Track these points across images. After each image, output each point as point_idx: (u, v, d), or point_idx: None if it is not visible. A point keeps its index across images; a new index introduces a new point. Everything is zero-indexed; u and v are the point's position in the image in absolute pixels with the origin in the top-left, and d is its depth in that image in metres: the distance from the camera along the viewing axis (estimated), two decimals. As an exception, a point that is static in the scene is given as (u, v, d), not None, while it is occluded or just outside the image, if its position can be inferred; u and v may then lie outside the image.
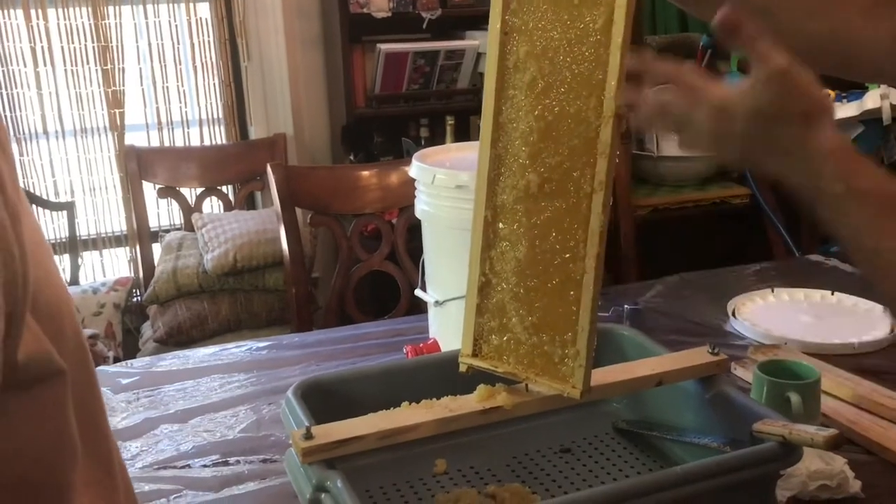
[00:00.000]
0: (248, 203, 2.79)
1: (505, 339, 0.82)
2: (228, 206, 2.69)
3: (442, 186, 1.20)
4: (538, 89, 0.77)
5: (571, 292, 0.79)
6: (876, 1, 0.71)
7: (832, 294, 1.49)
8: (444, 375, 0.87)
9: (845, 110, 2.31)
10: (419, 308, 1.41)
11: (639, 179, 2.69)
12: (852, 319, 1.41)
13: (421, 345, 1.26)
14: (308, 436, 0.74)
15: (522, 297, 0.81)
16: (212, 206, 2.75)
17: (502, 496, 0.83)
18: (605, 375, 0.86)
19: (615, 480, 0.88)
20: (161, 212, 2.81)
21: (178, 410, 1.20)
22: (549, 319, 0.81)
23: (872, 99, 2.26)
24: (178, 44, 2.74)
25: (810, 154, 0.65)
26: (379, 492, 0.86)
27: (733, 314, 1.44)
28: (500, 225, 0.81)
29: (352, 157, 2.64)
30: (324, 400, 0.87)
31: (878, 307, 1.42)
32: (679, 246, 2.41)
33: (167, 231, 2.70)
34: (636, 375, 0.87)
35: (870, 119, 2.29)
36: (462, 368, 0.84)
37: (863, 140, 2.34)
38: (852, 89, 2.35)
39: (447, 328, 1.28)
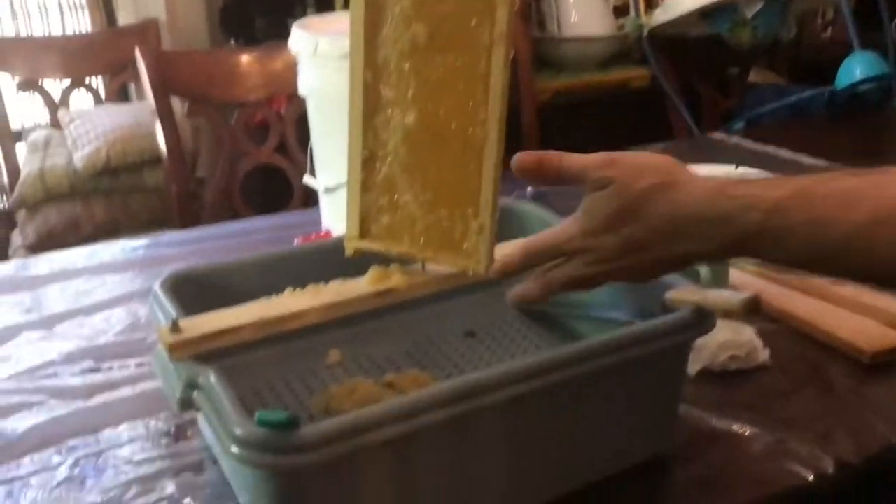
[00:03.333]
0: (121, 96, 2.57)
1: (397, 216, 0.74)
2: (99, 101, 2.47)
3: (327, 57, 1.08)
4: None
5: (472, 161, 0.71)
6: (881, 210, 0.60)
7: (736, 168, 1.46)
8: (334, 262, 0.78)
9: (744, -14, 2.26)
10: (315, 202, 1.31)
11: (540, 63, 2.61)
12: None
13: (313, 235, 1.17)
14: (175, 329, 0.65)
15: (415, 169, 0.73)
16: (81, 100, 2.53)
17: (401, 384, 0.76)
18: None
19: (522, 362, 0.82)
20: (24, 109, 2.56)
21: (45, 316, 1.08)
22: (448, 192, 0.73)
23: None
24: (30, -82, 2.45)
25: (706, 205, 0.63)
26: (266, 388, 0.78)
27: (637, 192, 1.39)
28: (384, 88, 0.72)
29: (232, 42, 2.45)
30: (198, 294, 0.77)
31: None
32: (582, 129, 2.37)
33: (32, 130, 2.47)
34: (542, 250, 0.81)
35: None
36: (348, 252, 0.76)
37: (761, 17, 2.30)
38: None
39: (341, 217, 1.17)
